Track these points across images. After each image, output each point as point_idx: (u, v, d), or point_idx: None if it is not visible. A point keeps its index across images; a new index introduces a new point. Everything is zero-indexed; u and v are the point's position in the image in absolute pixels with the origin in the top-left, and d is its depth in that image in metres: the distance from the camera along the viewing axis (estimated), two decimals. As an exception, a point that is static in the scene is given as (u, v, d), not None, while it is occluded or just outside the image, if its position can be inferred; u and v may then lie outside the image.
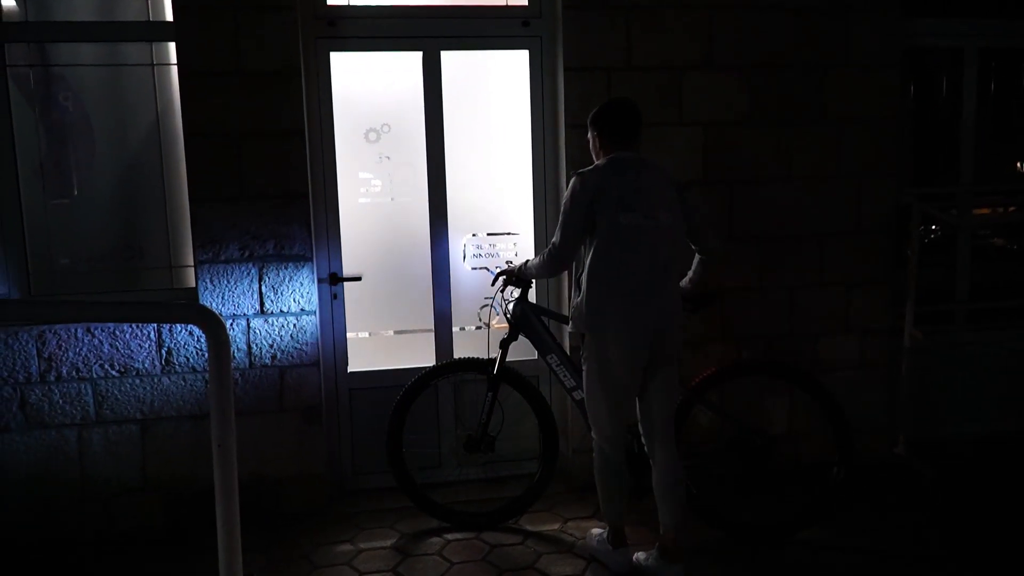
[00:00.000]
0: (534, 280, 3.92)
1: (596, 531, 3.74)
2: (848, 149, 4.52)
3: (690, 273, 3.66)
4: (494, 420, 3.96)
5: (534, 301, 4.17)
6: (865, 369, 4.66)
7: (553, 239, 3.40)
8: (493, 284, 3.94)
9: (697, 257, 3.65)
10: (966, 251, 4.97)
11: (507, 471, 4.48)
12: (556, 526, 4.02)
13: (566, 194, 3.35)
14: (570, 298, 3.43)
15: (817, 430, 4.04)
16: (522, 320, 3.89)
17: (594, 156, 3.52)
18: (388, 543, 3.90)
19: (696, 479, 3.81)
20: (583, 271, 3.37)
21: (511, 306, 3.91)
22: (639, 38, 4.26)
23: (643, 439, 3.54)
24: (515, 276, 3.81)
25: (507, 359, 3.94)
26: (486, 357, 4.02)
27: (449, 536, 3.95)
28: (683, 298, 3.55)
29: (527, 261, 3.72)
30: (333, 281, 4.36)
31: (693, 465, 3.83)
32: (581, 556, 3.71)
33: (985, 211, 5.25)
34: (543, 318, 3.95)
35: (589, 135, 3.52)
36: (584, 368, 3.45)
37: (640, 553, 3.61)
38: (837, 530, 3.90)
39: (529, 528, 3.99)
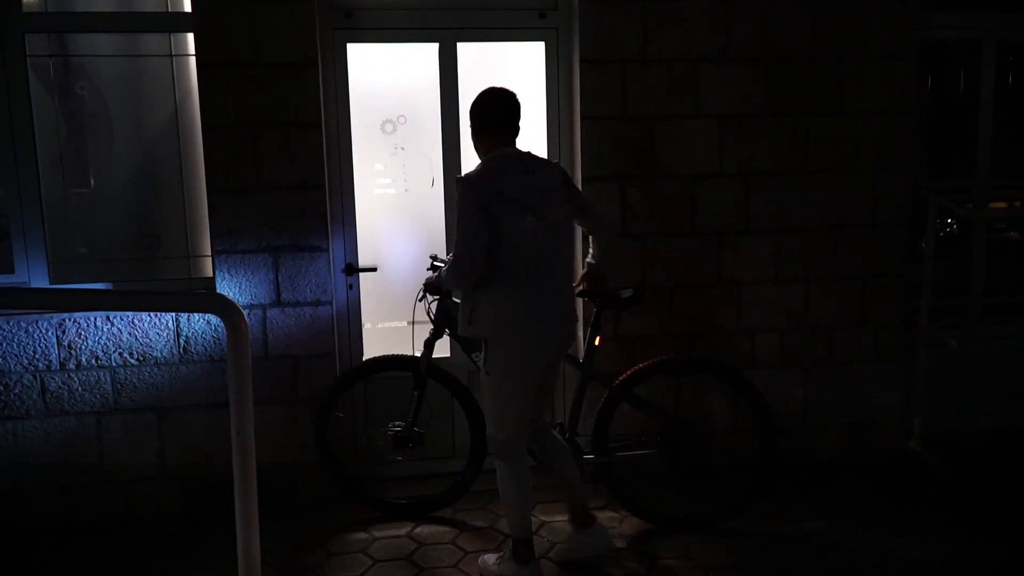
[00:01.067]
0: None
1: (489, 556, 3.58)
2: (864, 142, 4.50)
3: (590, 267, 3.59)
4: (422, 416, 3.96)
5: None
6: (879, 363, 4.65)
7: (455, 251, 3.23)
8: (419, 299, 3.92)
9: (595, 247, 3.62)
10: (981, 245, 4.96)
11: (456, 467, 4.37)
12: (568, 516, 4.03)
13: (458, 203, 3.18)
14: (469, 300, 3.29)
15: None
16: (446, 318, 3.87)
17: (475, 150, 3.42)
18: (403, 531, 3.94)
19: (626, 472, 3.94)
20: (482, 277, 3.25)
21: (434, 304, 3.88)
22: (655, 30, 4.26)
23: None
24: (433, 287, 3.73)
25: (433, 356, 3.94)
26: (411, 354, 4.04)
27: (463, 524, 3.98)
28: (607, 297, 3.70)
29: (437, 274, 3.61)
30: (349, 272, 4.38)
31: (623, 459, 3.89)
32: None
33: (1002, 205, 5.21)
34: None
35: (471, 129, 3.40)
36: (489, 371, 3.32)
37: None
38: (850, 524, 3.90)
39: (543, 518, 4.02)
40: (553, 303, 3.30)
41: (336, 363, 4.27)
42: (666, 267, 4.39)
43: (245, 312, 4.07)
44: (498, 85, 3.42)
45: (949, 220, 5.23)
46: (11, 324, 3.96)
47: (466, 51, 4.41)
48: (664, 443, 3.84)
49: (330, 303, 4.20)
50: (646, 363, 3.85)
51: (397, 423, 4.00)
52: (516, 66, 4.54)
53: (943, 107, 5.03)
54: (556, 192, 3.32)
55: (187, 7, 4.06)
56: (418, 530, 3.94)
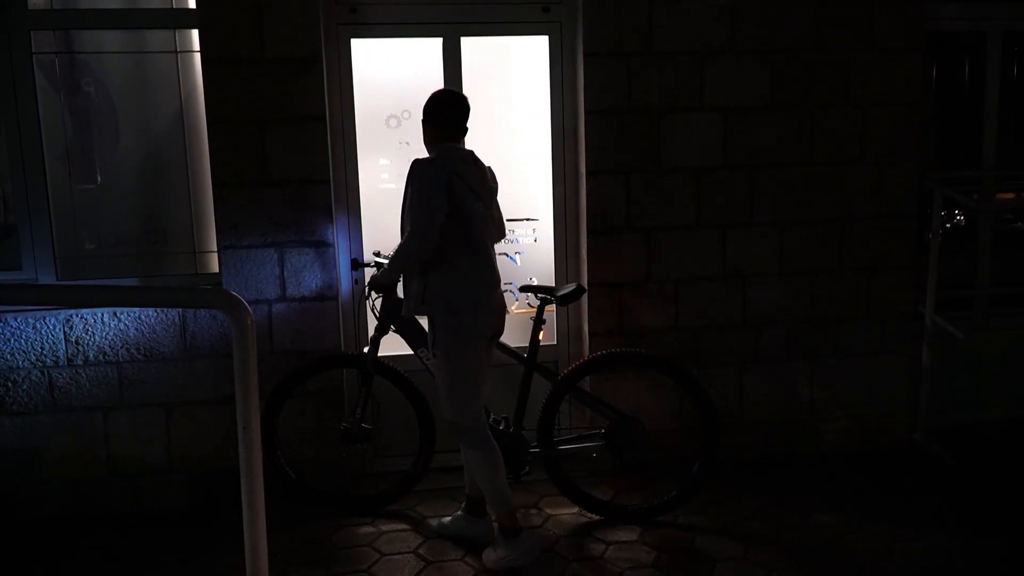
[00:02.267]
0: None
1: (488, 550, 3.56)
2: (870, 134, 4.49)
3: None
4: (370, 413, 3.98)
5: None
6: (886, 354, 4.64)
7: (414, 226, 3.30)
8: (366, 297, 3.93)
9: None
10: (988, 236, 4.94)
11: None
12: (575, 510, 4.04)
13: (418, 180, 3.32)
14: (421, 278, 3.42)
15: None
16: (391, 314, 3.85)
17: (425, 144, 3.57)
18: (409, 525, 3.95)
19: (571, 464, 3.96)
20: (432, 256, 3.36)
21: (378, 301, 3.87)
22: (660, 23, 4.25)
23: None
24: (378, 285, 3.71)
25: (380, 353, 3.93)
26: (357, 351, 4.04)
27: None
28: (547, 292, 3.80)
29: (382, 268, 3.62)
30: (354, 267, 4.39)
31: (562, 452, 3.91)
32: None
33: (1009, 196, 5.19)
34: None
35: (423, 123, 3.55)
36: (437, 353, 3.42)
37: (445, 519, 3.84)
38: (856, 516, 3.91)
39: (549, 511, 4.03)
40: (496, 282, 3.53)
41: (342, 358, 4.28)
42: (671, 260, 4.39)
43: (251, 307, 4.09)
44: (449, 87, 3.74)
45: (956, 212, 5.21)
46: (19, 320, 3.98)
47: (471, 46, 4.40)
48: (609, 436, 3.88)
49: (335, 298, 4.21)
50: (589, 357, 3.89)
51: (345, 420, 4.02)
52: (521, 60, 4.53)
53: (949, 98, 5.01)
54: (493, 187, 3.63)
55: (192, 3, 4.07)
56: (424, 525, 3.95)
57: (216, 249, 4.17)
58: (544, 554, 3.59)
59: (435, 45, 4.37)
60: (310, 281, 4.16)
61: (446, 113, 3.51)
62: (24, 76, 4.00)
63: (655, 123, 4.30)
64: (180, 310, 4.05)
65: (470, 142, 4.43)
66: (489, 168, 3.65)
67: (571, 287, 3.81)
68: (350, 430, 3.96)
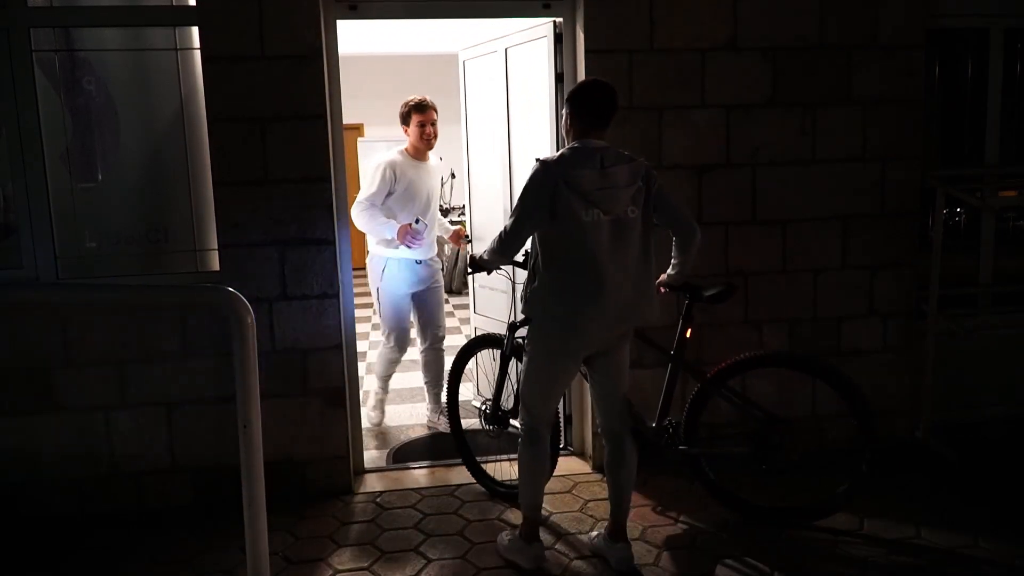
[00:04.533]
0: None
1: (504, 533, 3.68)
2: (873, 131, 4.48)
3: (674, 261, 3.56)
4: (505, 392, 4.05)
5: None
6: (888, 353, 4.64)
7: (506, 227, 3.34)
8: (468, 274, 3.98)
9: (675, 243, 3.54)
10: (990, 234, 4.93)
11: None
12: (577, 507, 4.05)
13: (527, 182, 3.25)
14: (530, 280, 3.38)
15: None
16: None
17: (564, 134, 3.44)
18: (411, 523, 3.95)
19: (715, 465, 3.88)
20: (537, 258, 3.31)
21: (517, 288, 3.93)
22: (662, 19, 4.23)
23: (599, 419, 3.58)
24: (473, 263, 3.74)
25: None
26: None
27: (470, 516, 3.99)
28: (693, 292, 3.66)
29: (484, 250, 3.55)
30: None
31: (712, 452, 3.88)
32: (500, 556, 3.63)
33: (1012, 194, 5.19)
34: None
35: (564, 112, 3.41)
36: (529, 353, 3.42)
37: (592, 532, 3.76)
38: (859, 514, 3.90)
39: (550, 509, 4.02)
40: (605, 298, 3.22)
41: (343, 356, 4.27)
42: (673, 258, 4.38)
43: (251, 306, 4.08)
44: (603, 79, 3.42)
45: (959, 209, 5.20)
46: (20, 319, 3.97)
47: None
48: (758, 437, 3.74)
49: (337, 296, 4.20)
50: (739, 357, 3.79)
51: (487, 400, 4.13)
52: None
53: (952, 96, 5.00)
54: (628, 188, 3.25)
55: (192, 1, 4.06)
56: (425, 522, 3.95)
57: (217, 247, 4.16)
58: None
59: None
60: (311, 279, 4.15)
61: (580, 104, 3.33)
62: (24, 74, 3.99)
63: (656, 120, 4.29)
64: (181, 308, 4.04)
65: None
66: (638, 162, 3.31)
67: (719, 287, 3.67)
68: (489, 411, 4.08)
